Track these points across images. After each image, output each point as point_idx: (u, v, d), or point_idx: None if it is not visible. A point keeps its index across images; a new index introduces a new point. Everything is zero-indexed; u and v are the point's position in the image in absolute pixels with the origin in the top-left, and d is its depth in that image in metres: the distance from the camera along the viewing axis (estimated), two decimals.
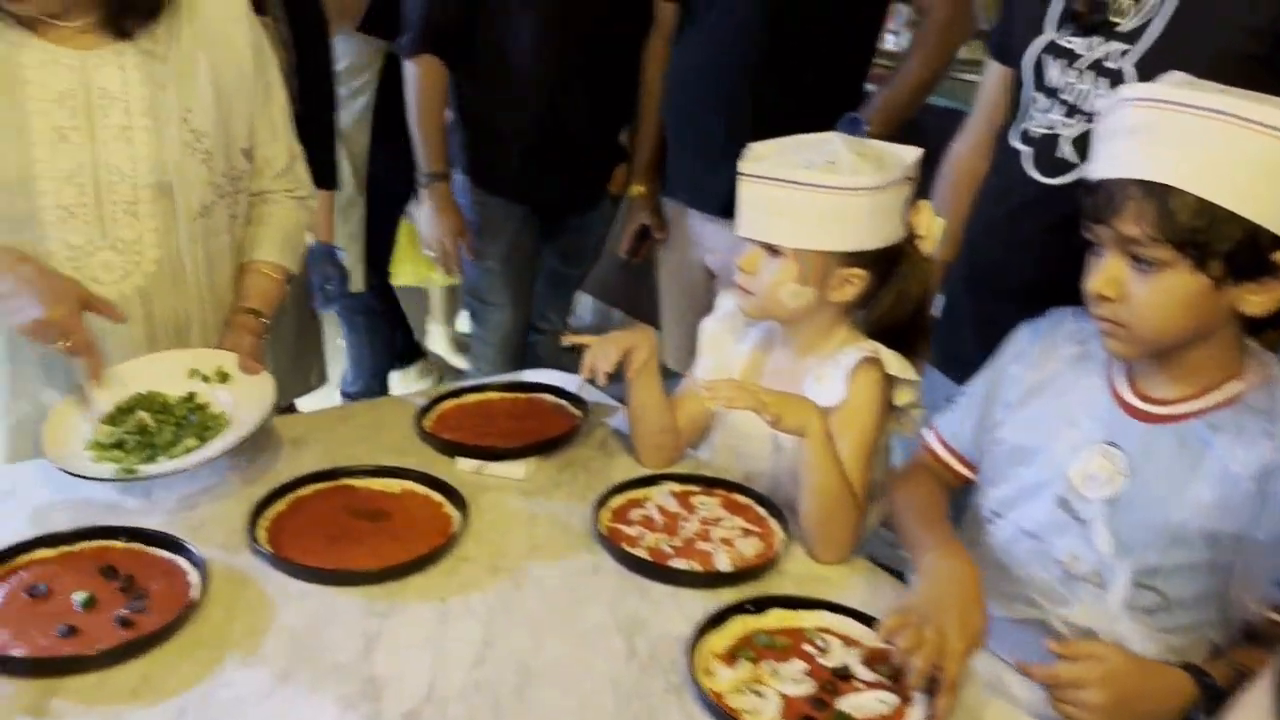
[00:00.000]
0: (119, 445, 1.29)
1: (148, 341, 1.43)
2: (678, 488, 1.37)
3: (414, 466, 1.36)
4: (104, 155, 1.36)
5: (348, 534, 1.23)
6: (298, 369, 2.37)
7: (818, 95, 2.05)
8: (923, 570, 1.14)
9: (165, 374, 1.40)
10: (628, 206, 2.50)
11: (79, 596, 1.06)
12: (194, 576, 1.11)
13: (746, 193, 1.33)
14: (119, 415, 1.34)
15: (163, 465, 1.26)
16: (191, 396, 1.39)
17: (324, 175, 2.25)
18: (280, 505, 1.27)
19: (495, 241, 2.42)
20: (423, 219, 2.37)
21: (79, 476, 1.23)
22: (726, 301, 1.49)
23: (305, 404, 2.26)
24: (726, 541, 1.25)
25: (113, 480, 1.24)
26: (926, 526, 1.21)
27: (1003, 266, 1.46)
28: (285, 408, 2.43)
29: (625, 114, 2.40)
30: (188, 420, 1.34)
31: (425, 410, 1.54)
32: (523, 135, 2.30)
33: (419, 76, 2.24)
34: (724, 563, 1.21)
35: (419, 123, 2.27)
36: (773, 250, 1.33)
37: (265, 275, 1.54)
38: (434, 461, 1.42)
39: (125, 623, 1.04)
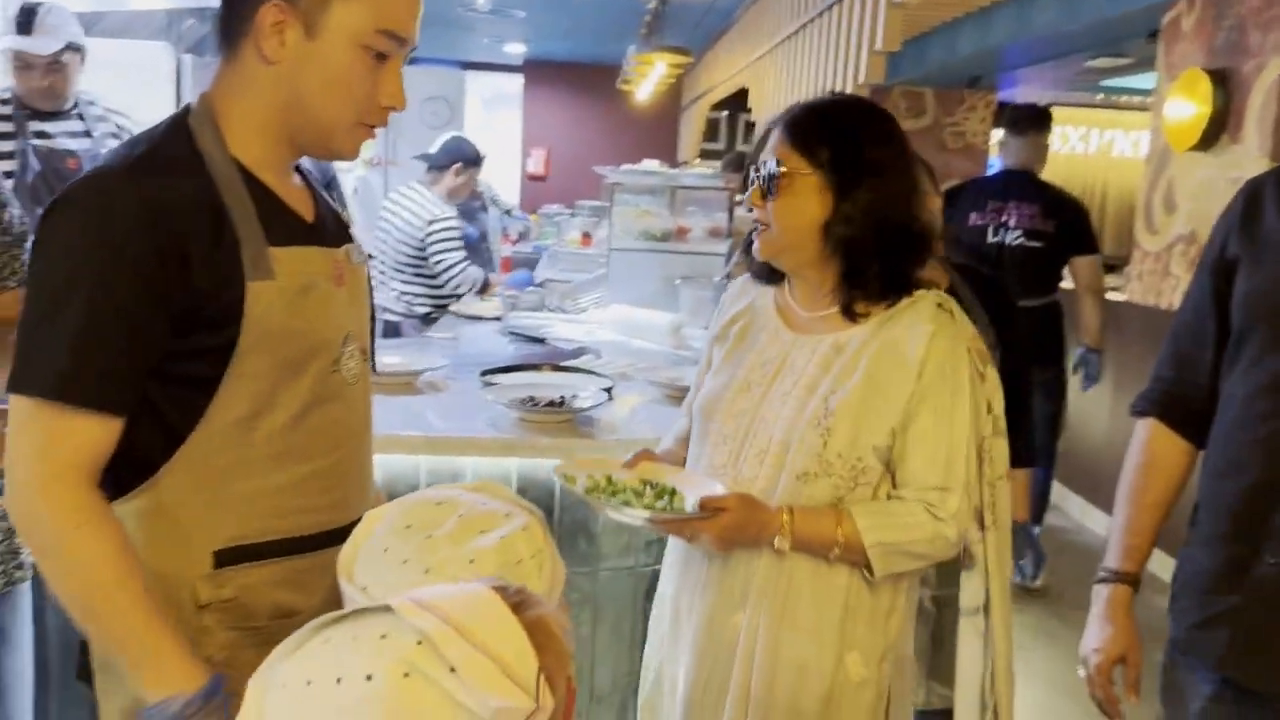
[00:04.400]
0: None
1: None
2: None
3: None
4: (764, 408, 1.61)
5: None
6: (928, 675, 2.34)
7: None
8: None
9: None
10: None
11: None
12: None
13: None
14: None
15: None
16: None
17: (1022, 455, 2.30)
18: None
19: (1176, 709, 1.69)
20: (1089, 624, 1.74)
21: None
22: None
23: None
24: None
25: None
26: None
27: None
28: (950, 710, 2.41)
29: None
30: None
31: None
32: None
33: (1143, 443, 1.73)
34: None
35: (1125, 499, 1.74)
36: None
37: (833, 512, 1.53)
38: None
39: None
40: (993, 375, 1.65)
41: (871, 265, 1.56)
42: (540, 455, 2.13)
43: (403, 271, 4.36)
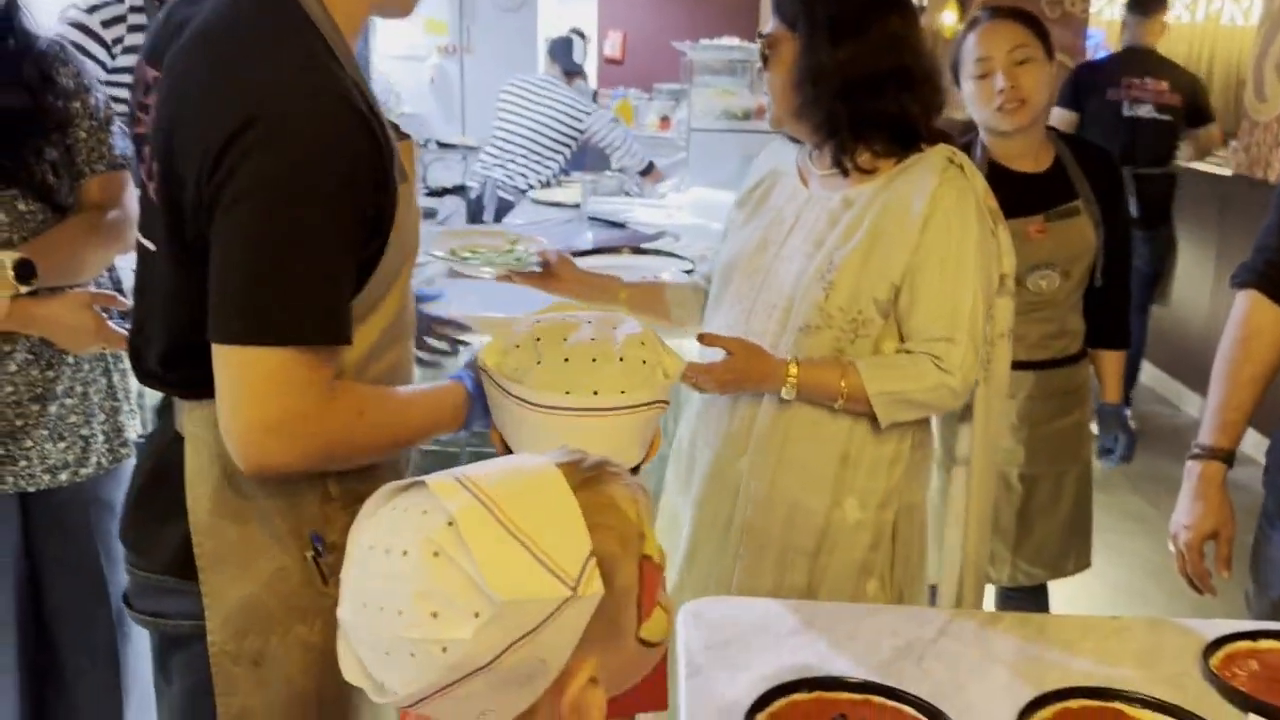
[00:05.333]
0: None
1: None
2: None
3: (1198, 710, 1.22)
4: (777, 264, 1.67)
5: None
6: (1063, 550, 2.33)
7: None
8: None
9: None
10: None
11: None
12: None
13: None
14: None
15: None
16: None
17: (1118, 336, 2.35)
18: (1046, 712, 1.23)
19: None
20: (1180, 500, 1.73)
21: None
22: None
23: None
24: None
25: None
26: None
27: None
28: (1036, 588, 2.41)
29: None
30: None
31: (1214, 647, 1.38)
32: None
33: (1242, 316, 1.69)
34: None
35: (1221, 374, 1.69)
36: None
37: (838, 364, 1.60)
38: (1218, 708, 1.26)
39: None
40: (1004, 236, 1.66)
41: (862, 120, 1.59)
42: None
43: (540, 155, 4.60)
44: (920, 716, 1.19)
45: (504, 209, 4.51)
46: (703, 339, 1.65)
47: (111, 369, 1.86)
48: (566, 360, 1.13)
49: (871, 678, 1.26)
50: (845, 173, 1.63)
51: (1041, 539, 2.31)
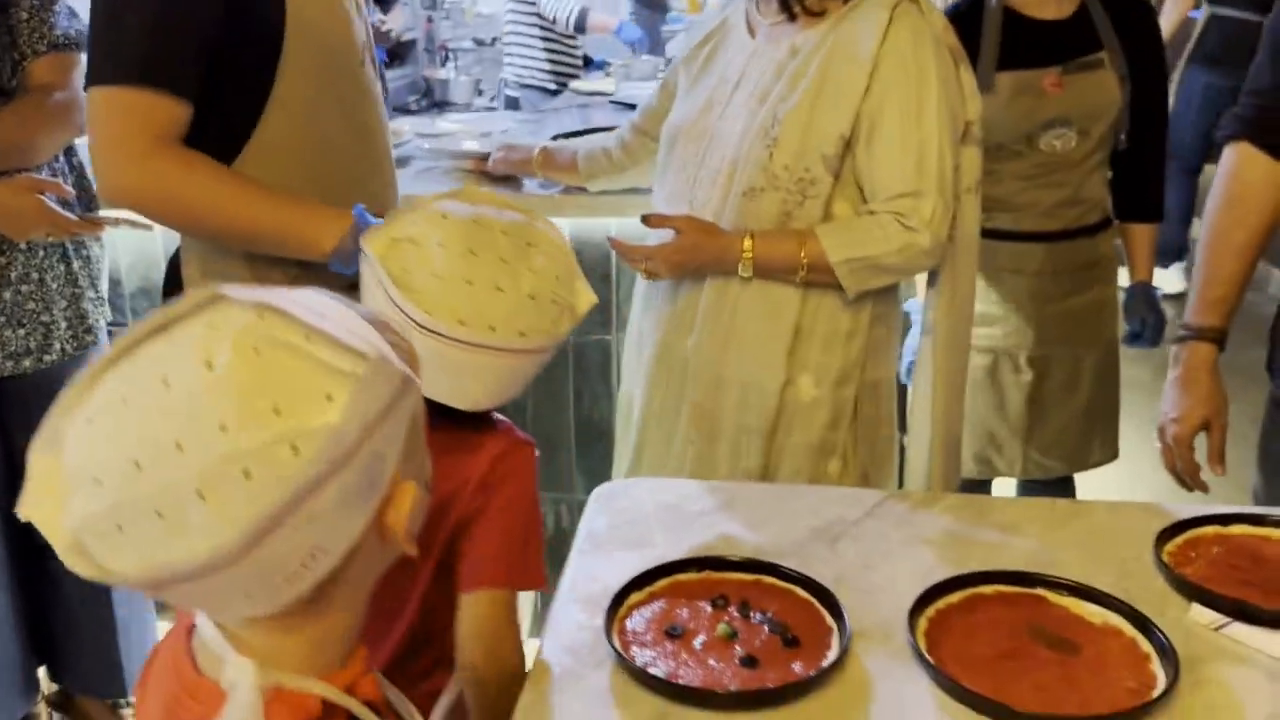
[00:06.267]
0: None
1: None
2: None
3: (1129, 599, 1.11)
4: (721, 125, 1.55)
5: (1020, 655, 1.05)
6: (1083, 440, 2.18)
7: None
8: None
9: None
10: None
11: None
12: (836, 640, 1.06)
13: None
14: None
15: None
16: None
17: (1147, 208, 2.14)
18: (954, 597, 1.13)
19: None
20: (1166, 389, 1.59)
21: None
22: None
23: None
24: None
25: None
26: None
27: None
28: (1059, 481, 2.26)
29: None
30: None
31: (1171, 531, 1.25)
32: None
33: (1231, 172, 1.53)
34: None
35: (1207, 242, 1.54)
36: None
37: (796, 234, 1.49)
38: (1162, 597, 1.15)
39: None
40: (968, 79, 1.50)
41: None
42: (593, 214, 2.05)
43: (521, 44, 4.37)
44: (809, 598, 1.11)
45: (511, 106, 4.36)
46: (648, 220, 1.56)
47: (71, 256, 1.86)
48: (470, 283, 1.00)
49: (775, 559, 1.18)
50: (792, 17, 1.50)
51: (1058, 428, 2.16)
